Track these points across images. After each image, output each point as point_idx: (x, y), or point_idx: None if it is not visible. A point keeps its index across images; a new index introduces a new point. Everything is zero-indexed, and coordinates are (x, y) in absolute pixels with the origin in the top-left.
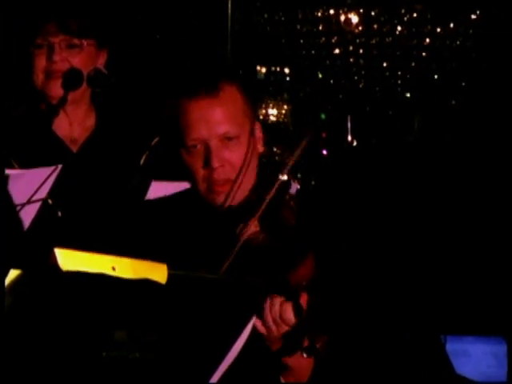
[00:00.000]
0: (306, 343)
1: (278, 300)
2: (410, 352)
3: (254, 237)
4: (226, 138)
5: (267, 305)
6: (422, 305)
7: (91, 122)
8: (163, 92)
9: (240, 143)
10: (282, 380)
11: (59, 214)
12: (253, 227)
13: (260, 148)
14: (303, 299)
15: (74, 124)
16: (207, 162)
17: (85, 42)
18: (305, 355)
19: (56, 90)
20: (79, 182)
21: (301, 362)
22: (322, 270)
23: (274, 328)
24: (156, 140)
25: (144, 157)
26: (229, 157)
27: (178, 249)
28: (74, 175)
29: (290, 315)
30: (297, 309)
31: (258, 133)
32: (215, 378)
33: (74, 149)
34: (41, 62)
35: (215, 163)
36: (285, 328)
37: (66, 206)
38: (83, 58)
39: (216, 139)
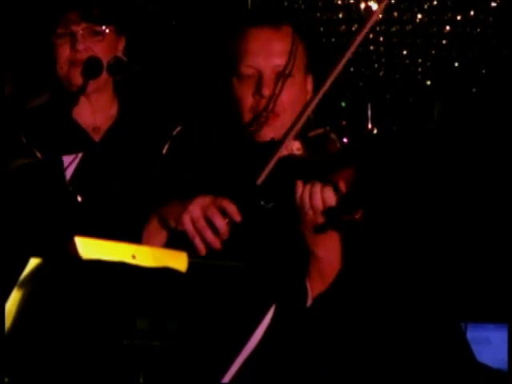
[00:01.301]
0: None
1: (317, 188)
2: (431, 340)
3: (296, 156)
4: (280, 72)
5: (304, 195)
6: (443, 292)
7: (114, 110)
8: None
9: (292, 82)
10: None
11: (80, 202)
12: (295, 150)
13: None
14: (342, 184)
15: (96, 112)
16: (258, 90)
17: (106, 29)
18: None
19: (80, 78)
20: (102, 171)
21: (329, 258)
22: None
23: (310, 214)
24: (178, 129)
25: (166, 146)
26: (279, 91)
27: (215, 176)
28: (97, 164)
29: (332, 201)
30: (337, 192)
31: (310, 86)
32: (233, 368)
33: (97, 137)
34: (64, 52)
35: (266, 91)
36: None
37: (87, 195)
38: (105, 45)
39: (271, 70)
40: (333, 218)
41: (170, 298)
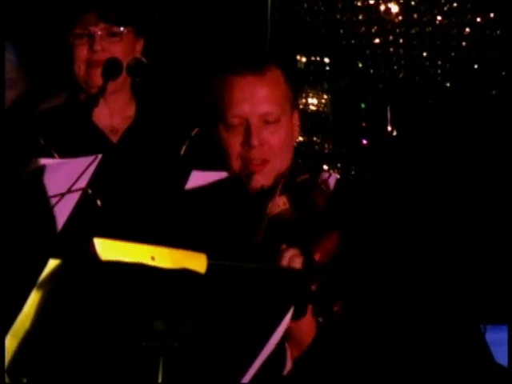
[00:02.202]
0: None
1: (291, 251)
2: (450, 342)
3: (282, 213)
4: (267, 119)
5: (279, 254)
6: (462, 294)
7: (131, 111)
8: (210, 69)
9: (279, 126)
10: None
11: (99, 203)
12: (282, 205)
13: (296, 136)
14: (316, 257)
15: (114, 114)
16: (247, 140)
17: (125, 30)
18: (320, 319)
19: (97, 79)
20: (119, 172)
21: (302, 328)
22: (346, 248)
23: None
24: (196, 130)
25: (184, 147)
26: (268, 137)
27: (210, 229)
28: (115, 165)
29: (298, 266)
30: (308, 266)
31: (296, 121)
32: (253, 369)
33: (114, 139)
34: (82, 53)
35: (254, 141)
36: None
37: (106, 196)
38: (123, 46)
39: (257, 118)
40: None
41: (189, 300)
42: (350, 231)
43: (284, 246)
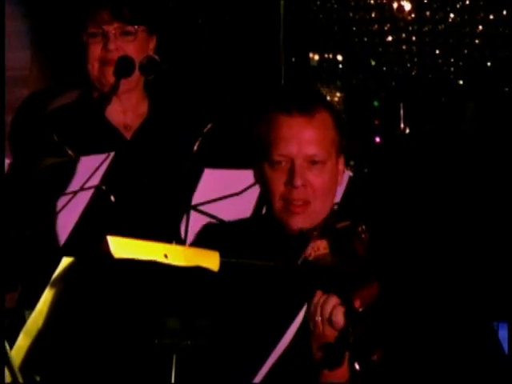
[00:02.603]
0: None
1: (332, 301)
2: (464, 340)
3: (322, 257)
4: (312, 161)
5: (319, 302)
6: (475, 293)
7: (144, 108)
8: (256, 105)
9: (324, 169)
10: None
11: (113, 200)
12: (322, 249)
13: (340, 180)
14: (356, 305)
15: (127, 111)
16: (290, 180)
17: (138, 29)
18: (357, 367)
19: (111, 78)
20: (133, 169)
21: (336, 376)
22: (384, 300)
23: (320, 328)
24: (209, 126)
25: (197, 143)
26: (312, 179)
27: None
28: (128, 162)
29: (339, 319)
30: (349, 315)
31: (341, 166)
32: (264, 368)
33: (128, 136)
34: (96, 51)
35: (298, 182)
36: (330, 331)
37: (119, 193)
38: (137, 45)
39: (303, 159)
40: (339, 338)
41: (202, 298)
42: (389, 282)
43: (320, 293)
